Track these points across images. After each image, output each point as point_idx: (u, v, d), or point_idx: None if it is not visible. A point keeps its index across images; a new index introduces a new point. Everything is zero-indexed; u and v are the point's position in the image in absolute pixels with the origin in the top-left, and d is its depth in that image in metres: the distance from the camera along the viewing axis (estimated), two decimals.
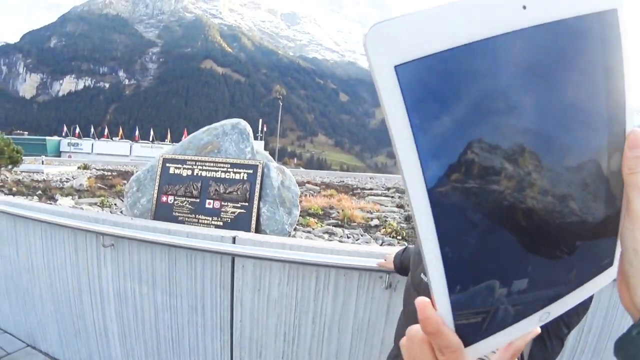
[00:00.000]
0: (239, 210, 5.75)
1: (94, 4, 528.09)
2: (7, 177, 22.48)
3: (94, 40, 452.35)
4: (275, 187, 5.86)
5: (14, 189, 17.76)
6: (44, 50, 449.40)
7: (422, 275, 2.35)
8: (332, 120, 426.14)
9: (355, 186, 32.21)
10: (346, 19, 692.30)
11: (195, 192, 5.98)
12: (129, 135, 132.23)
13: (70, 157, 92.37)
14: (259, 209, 5.73)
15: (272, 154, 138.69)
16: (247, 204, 5.76)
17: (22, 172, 25.63)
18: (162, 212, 6.06)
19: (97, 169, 32.91)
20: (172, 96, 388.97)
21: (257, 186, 5.77)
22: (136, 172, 7.20)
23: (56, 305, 5.76)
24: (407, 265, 3.37)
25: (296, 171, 50.02)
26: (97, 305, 5.36)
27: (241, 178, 5.86)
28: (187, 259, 4.62)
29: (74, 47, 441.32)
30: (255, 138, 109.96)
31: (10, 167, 24.09)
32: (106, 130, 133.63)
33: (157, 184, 6.18)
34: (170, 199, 6.06)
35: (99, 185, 20.44)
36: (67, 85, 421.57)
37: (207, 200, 5.90)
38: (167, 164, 6.23)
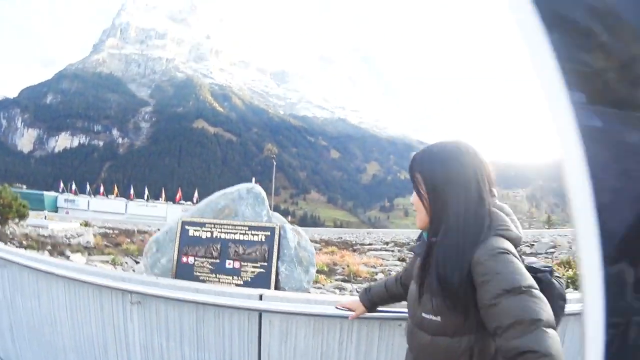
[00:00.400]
0: (258, 270, 6.10)
1: (88, 62, 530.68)
2: (15, 230, 23.00)
3: (88, 98, 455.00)
4: (292, 247, 6.23)
5: (24, 242, 18.24)
6: (41, 106, 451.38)
7: (424, 314, 2.59)
8: (324, 177, 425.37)
9: (354, 242, 32.93)
10: (335, 76, 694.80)
11: (215, 253, 6.33)
12: (124, 193, 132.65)
13: (67, 213, 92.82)
14: (277, 268, 6.09)
15: None
16: (266, 263, 6.11)
17: (28, 226, 26.17)
18: (183, 272, 6.37)
19: (98, 227, 33.48)
20: (165, 155, 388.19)
21: (275, 247, 6.13)
22: (156, 235, 7.58)
23: (80, 357, 5.91)
24: (377, 301, 3.78)
25: (308, 230, 50.72)
26: (123, 359, 5.52)
27: (259, 240, 6.23)
28: (215, 316, 4.87)
29: (69, 105, 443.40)
30: None
31: (17, 220, 24.65)
32: (102, 188, 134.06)
33: (176, 245, 6.53)
34: (191, 259, 6.40)
35: (105, 243, 20.91)
36: (63, 141, 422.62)
37: (227, 261, 6.24)
38: (186, 227, 6.61)
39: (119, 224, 39.40)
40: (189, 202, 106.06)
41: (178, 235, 6.58)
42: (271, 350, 4.63)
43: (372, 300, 3.75)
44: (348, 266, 14.93)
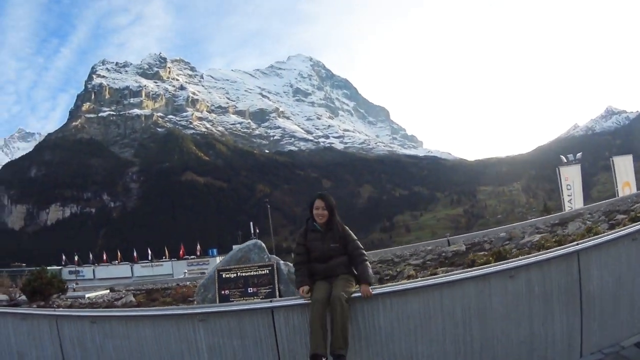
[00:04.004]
0: (268, 290, 10.45)
1: (67, 130, 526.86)
2: (60, 303, 26.60)
3: (73, 166, 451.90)
4: (285, 273, 10.66)
5: (74, 309, 21.75)
6: (26, 180, 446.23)
7: (332, 245, 8.09)
8: None
9: None
10: (313, 106, 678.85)
11: (240, 285, 10.73)
12: (127, 257, 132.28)
13: (77, 284, 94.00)
14: (279, 287, 10.41)
15: (271, 253, 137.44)
16: (272, 285, 10.48)
17: (68, 298, 29.57)
18: (224, 300, 10.57)
19: (127, 290, 36.71)
20: (158, 213, 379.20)
21: (275, 275, 10.52)
22: (201, 281, 12.21)
23: None
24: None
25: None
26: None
27: (265, 272, 10.68)
28: (249, 318, 8.26)
29: (54, 176, 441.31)
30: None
31: (59, 294, 28.38)
32: (104, 255, 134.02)
33: (216, 284, 11.01)
34: (227, 291, 10.79)
35: (146, 300, 24.57)
36: (54, 214, 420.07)
37: (249, 288, 10.62)
38: (221, 272, 11.14)
39: (140, 286, 42.16)
40: (192, 256, 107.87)
41: (216, 279, 11.06)
42: (281, 329, 8.03)
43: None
44: None
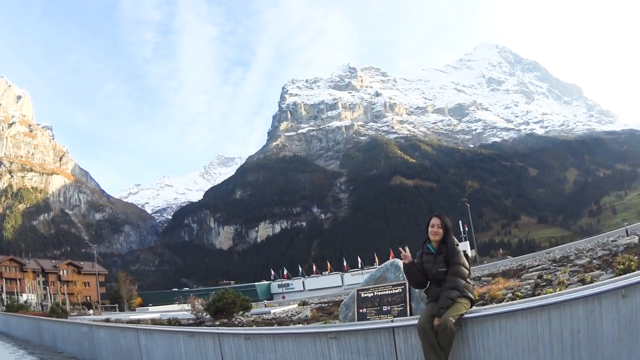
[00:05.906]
0: (400, 308, 10.73)
1: (268, 151, 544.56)
2: (243, 320, 28.67)
3: (278, 184, 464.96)
4: (417, 291, 10.92)
5: (253, 326, 23.28)
6: (231, 202, 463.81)
7: (440, 270, 7.78)
8: (529, 198, 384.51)
9: (523, 266, 36.93)
10: (508, 93, 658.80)
11: (376, 304, 11.20)
12: (337, 267, 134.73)
13: (284, 297, 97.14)
14: (410, 305, 10.72)
15: (480, 250, 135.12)
16: (404, 303, 10.79)
17: (252, 315, 31.53)
18: (361, 318, 11.08)
19: (315, 303, 38.58)
20: (371, 219, 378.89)
21: (407, 293, 10.82)
22: (344, 300, 13.00)
23: None
24: (414, 272, 8.02)
25: (497, 263, 54.54)
26: None
27: (399, 291, 11.00)
28: (373, 335, 8.42)
29: (260, 195, 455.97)
30: (460, 240, 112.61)
31: (242, 312, 30.39)
32: (314, 267, 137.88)
33: (355, 303, 11.64)
34: (364, 310, 11.33)
35: (320, 314, 26.13)
36: (263, 231, 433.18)
37: (384, 306, 11.04)
38: (360, 292, 11.75)
39: (334, 297, 43.51)
40: None
41: (355, 298, 11.71)
42: (401, 347, 8.04)
43: (412, 269, 8.07)
44: (490, 291, 19.35)
